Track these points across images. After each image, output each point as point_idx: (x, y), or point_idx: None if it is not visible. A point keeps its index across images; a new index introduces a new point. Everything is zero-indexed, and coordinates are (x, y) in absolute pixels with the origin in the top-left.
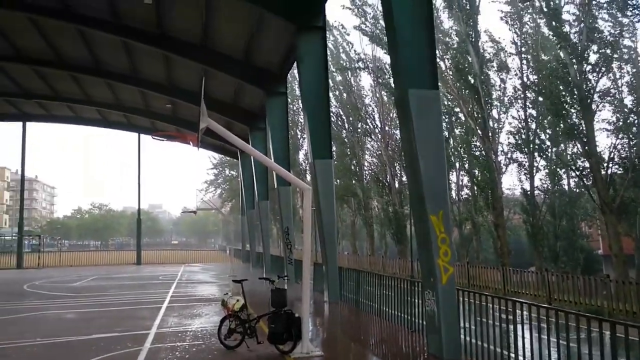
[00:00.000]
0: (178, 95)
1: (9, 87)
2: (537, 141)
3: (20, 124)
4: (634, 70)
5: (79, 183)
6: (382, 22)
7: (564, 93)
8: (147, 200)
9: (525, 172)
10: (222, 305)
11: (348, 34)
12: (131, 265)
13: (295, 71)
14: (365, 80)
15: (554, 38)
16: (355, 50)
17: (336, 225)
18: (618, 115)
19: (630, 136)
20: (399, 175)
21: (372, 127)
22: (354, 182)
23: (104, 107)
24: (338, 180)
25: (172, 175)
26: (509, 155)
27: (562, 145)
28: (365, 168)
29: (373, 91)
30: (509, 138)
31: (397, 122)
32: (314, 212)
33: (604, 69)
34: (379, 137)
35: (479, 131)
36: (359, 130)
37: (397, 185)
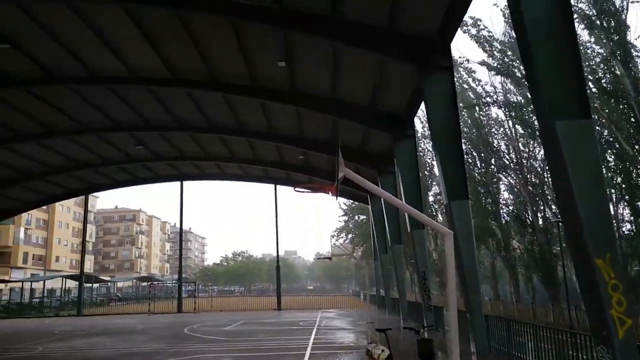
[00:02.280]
0: (309, 146)
1: (172, 152)
2: None
3: (178, 183)
4: None
5: (224, 233)
6: (510, 53)
7: None
8: (283, 246)
9: None
10: (366, 355)
11: (474, 72)
12: (272, 311)
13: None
14: (495, 114)
15: None
16: (482, 85)
17: (478, 270)
18: None
19: None
20: (542, 211)
21: (506, 162)
22: (490, 221)
23: (245, 162)
24: (472, 220)
25: (305, 222)
26: None
27: None
28: (502, 206)
29: (505, 125)
30: None
31: (535, 154)
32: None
33: None
34: (516, 172)
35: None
36: (492, 166)
37: (540, 222)
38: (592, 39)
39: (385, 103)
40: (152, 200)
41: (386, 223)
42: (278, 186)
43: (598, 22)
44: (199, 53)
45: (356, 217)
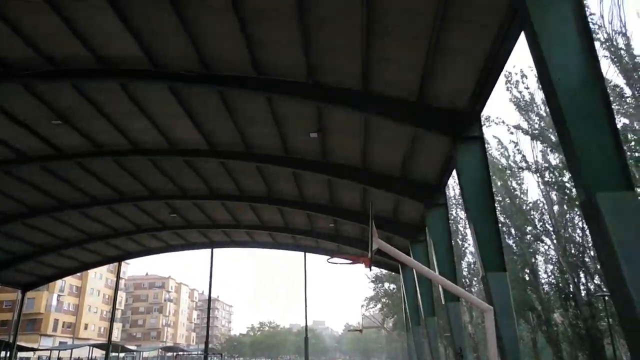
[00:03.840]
0: (340, 214)
1: (204, 220)
2: None
3: (208, 250)
4: None
5: (251, 301)
6: (547, 117)
7: None
8: (312, 316)
9: None
10: None
11: (512, 133)
12: None
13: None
14: (529, 180)
15: None
16: (518, 150)
17: (518, 346)
18: None
19: None
20: (584, 283)
21: (543, 230)
22: (529, 293)
23: (275, 230)
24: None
25: (333, 291)
26: None
27: None
28: (541, 277)
29: (541, 192)
30: None
31: (576, 223)
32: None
33: None
34: (554, 241)
35: None
36: (529, 236)
37: (583, 295)
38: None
39: (416, 172)
40: (181, 267)
41: (419, 294)
42: (308, 254)
43: (629, 92)
44: (235, 126)
45: (386, 286)
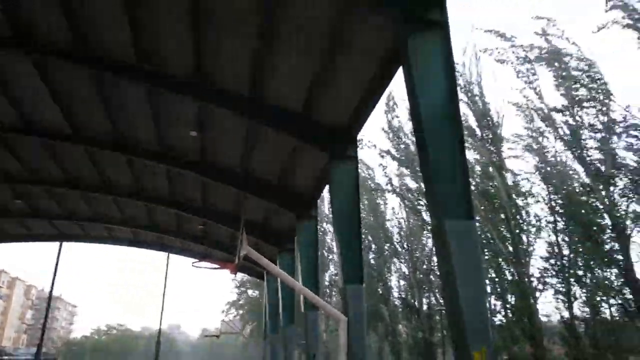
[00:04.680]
0: (212, 217)
1: (55, 210)
2: (572, 267)
3: (57, 243)
4: None
5: (100, 301)
6: (412, 147)
7: (593, 219)
8: (166, 320)
9: (563, 299)
10: None
11: (382, 157)
12: None
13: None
14: (391, 201)
15: (578, 164)
16: (385, 173)
17: (366, 355)
18: None
19: None
20: (427, 298)
21: (399, 249)
22: (380, 306)
23: (139, 227)
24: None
25: (193, 295)
26: (542, 281)
27: (598, 272)
28: (394, 292)
29: (401, 214)
30: (540, 263)
31: (425, 244)
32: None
33: (632, 194)
34: (407, 259)
35: (510, 256)
36: (386, 252)
37: (425, 309)
38: (473, 147)
39: (292, 183)
40: (20, 260)
41: (280, 302)
42: (171, 255)
43: (479, 133)
44: (108, 114)
45: (249, 292)
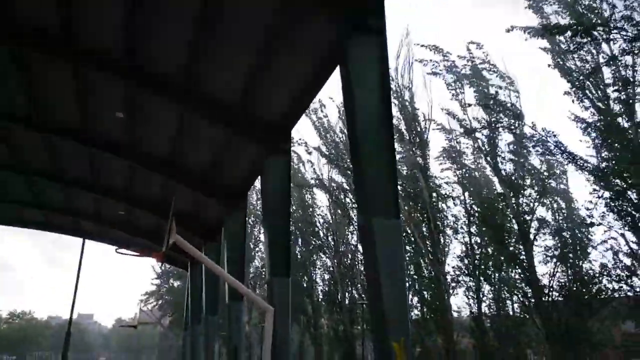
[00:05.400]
0: (136, 203)
1: None
2: (482, 267)
3: None
4: (565, 205)
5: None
6: (341, 146)
7: (504, 224)
8: (77, 308)
9: (473, 296)
10: None
11: (310, 153)
12: None
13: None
14: (319, 197)
15: (492, 172)
16: (314, 169)
17: (289, 347)
18: (555, 244)
19: (568, 265)
20: (349, 292)
21: (324, 243)
22: (305, 298)
23: (52, 210)
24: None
25: (107, 283)
26: (456, 279)
27: (504, 272)
28: (318, 285)
29: (328, 209)
30: (455, 262)
31: (349, 239)
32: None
33: (537, 203)
34: (332, 254)
35: (429, 255)
36: (312, 246)
37: (347, 303)
38: (402, 149)
39: (223, 174)
40: None
41: (204, 293)
42: (88, 241)
43: (407, 136)
44: (25, 87)
45: (171, 282)
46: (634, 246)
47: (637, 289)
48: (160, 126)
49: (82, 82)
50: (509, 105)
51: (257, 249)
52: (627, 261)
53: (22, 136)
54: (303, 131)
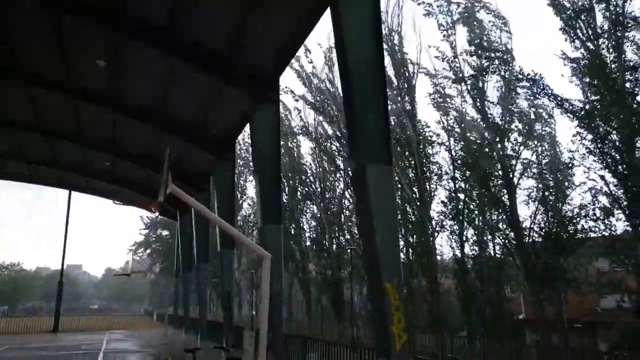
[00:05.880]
0: (122, 155)
1: None
2: (466, 211)
3: None
4: (549, 149)
5: None
6: (327, 93)
7: (488, 169)
8: (65, 259)
9: (456, 239)
10: None
11: (296, 101)
12: (47, 334)
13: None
14: (306, 145)
15: (479, 117)
16: (301, 117)
17: (282, 291)
18: (538, 187)
19: (548, 207)
20: (337, 238)
21: (312, 191)
22: (293, 245)
23: (37, 163)
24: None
25: (94, 233)
26: (440, 224)
27: (488, 215)
28: (306, 231)
29: (314, 157)
30: (440, 206)
31: (336, 186)
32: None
33: (522, 147)
34: (320, 201)
35: (416, 200)
36: (300, 194)
37: (334, 248)
38: (390, 95)
39: (211, 124)
40: None
41: (195, 241)
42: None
43: (395, 82)
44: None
45: (159, 232)
46: (612, 187)
47: (613, 228)
48: (145, 74)
49: (63, 31)
50: (500, 47)
51: (244, 197)
52: (605, 201)
53: (3, 87)
54: (288, 79)
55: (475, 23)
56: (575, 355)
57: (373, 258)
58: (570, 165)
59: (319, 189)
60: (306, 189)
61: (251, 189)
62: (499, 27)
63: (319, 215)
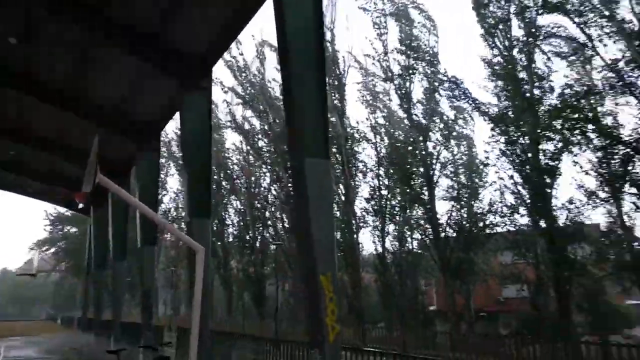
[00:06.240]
0: (29, 142)
1: None
2: (388, 207)
3: None
4: (466, 150)
5: None
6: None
7: (411, 166)
8: None
9: (378, 234)
10: None
11: (225, 92)
12: None
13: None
14: (231, 139)
15: (405, 117)
16: (230, 110)
17: (209, 286)
18: (453, 185)
19: (462, 204)
20: (261, 234)
21: (237, 186)
22: (215, 241)
23: None
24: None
25: None
26: (363, 219)
27: (409, 211)
28: (229, 226)
29: (240, 151)
30: (363, 203)
31: (262, 182)
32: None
33: (442, 147)
34: (244, 197)
35: (342, 196)
36: (224, 189)
37: (258, 245)
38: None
39: (136, 111)
40: None
41: (111, 238)
42: None
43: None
44: None
45: (67, 229)
46: (519, 187)
47: (517, 224)
48: (62, 55)
49: None
50: (427, 49)
51: (164, 191)
52: (511, 199)
53: None
54: (217, 70)
55: (405, 22)
56: (478, 341)
57: (309, 251)
58: (485, 164)
59: (244, 184)
60: (230, 183)
61: (172, 183)
62: (429, 29)
63: (243, 210)
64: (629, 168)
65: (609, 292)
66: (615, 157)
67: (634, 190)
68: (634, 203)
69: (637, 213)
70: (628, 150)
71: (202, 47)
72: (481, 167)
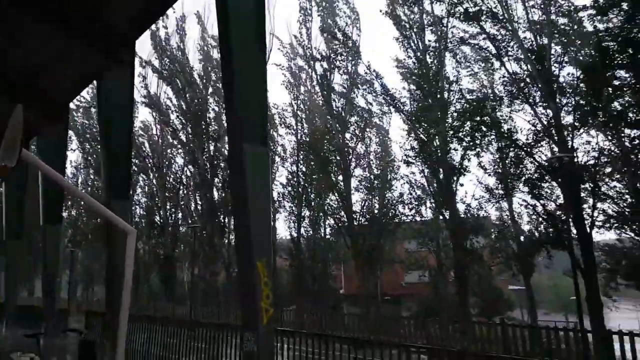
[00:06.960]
0: None
1: None
2: (304, 193)
3: None
4: (381, 143)
5: None
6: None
7: (330, 156)
8: None
9: (294, 220)
10: None
11: (143, 67)
12: None
13: None
14: (143, 115)
15: (324, 107)
16: (145, 84)
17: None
18: (367, 176)
19: (374, 194)
20: (173, 215)
21: (148, 164)
22: None
23: None
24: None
25: None
26: (280, 204)
27: (325, 198)
28: (137, 206)
29: (155, 129)
30: (281, 188)
31: (175, 162)
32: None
33: (358, 137)
34: (155, 176)
35: None
36: (134, 167)
37: (170, 227)
38: None
39: (43, 84)
40: None
41: (4, 215)
42: None
43: None
44: None
45: None
46: (427, 181)
47: (423, 215)
48: None
49: None
50: (349, 42)
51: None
52: (419, 192)
53: None
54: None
55: (330, 11)
56: (380, 321)
57: (245, 237)
58: (401, 160)
59: (156, 164)
60: (141, 162)
61: (72, 156)
62: (353, 21)
63: (154, 190)
64: (521, 168)
65: (496, 278)
66: (510, 158)
67: (525, 188)
68: (524, 200)
69: (525, 209)
70: (521, 152)
71: (125, 19)
72: (395, 161)
